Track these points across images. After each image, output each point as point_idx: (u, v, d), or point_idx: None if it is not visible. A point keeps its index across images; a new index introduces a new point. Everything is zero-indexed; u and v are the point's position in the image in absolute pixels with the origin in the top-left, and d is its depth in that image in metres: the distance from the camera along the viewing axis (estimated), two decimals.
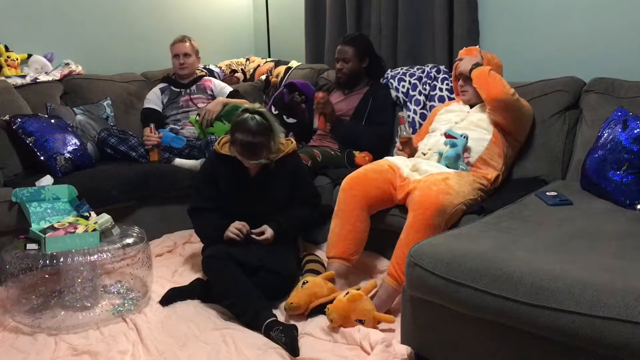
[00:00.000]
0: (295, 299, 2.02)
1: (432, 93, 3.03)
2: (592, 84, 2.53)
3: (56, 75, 3.26)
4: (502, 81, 2.36)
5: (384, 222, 2.35)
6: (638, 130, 1.97)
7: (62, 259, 1.99)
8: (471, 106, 2.56)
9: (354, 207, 2.23)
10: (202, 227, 2.36)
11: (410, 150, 2.54)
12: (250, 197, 2.31)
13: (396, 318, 1.92)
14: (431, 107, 2.97)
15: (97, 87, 3.33)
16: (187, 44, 3.31)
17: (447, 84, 2.99)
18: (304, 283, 2.07)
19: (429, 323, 1.70)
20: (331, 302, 1.97)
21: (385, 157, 2.45)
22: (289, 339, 1.81)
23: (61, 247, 2.01)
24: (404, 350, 1.73)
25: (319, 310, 2.02)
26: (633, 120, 2.02)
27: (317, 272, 2.24)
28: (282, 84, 3.52)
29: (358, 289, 2.09)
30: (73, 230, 2.07)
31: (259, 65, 3.94)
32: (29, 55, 3.31)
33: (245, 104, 2.94)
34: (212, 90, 3.37)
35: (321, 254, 2.47)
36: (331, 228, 2.27)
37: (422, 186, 2.12)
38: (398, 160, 2.40)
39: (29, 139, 2.69)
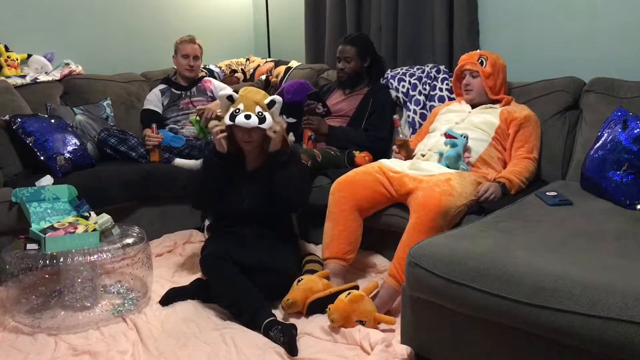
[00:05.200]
0: (291, 295, 2.04)
1: (432, 93, 3.03)
2: (592, 84, 2.53)
3: (56, 75, 3.26)
4: (527, 172, 2.34)
5: (383, 222, 2.35)
6: (638, 130, 1.97)
7: (62, 259, 1.98)
8: (473, 106, 2.57)
9: (344, 208, 2.26)
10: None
11: (406, 152, 2.54)
12: (244, 191, 2.31)
13: (396, 318, 1.92)
14: (431, 107, 2.97)
15: (97, 87, 3.33)
16: (197, 45, 3.30)
17: (447, 84, 2.99)
18: (298, 281, 2.10)
19: (429, 323, 1.71)
20: (330, 299, 1.98)
21: (379, 160, 2.46)
22: (287, 339, 1.81)
23: (61, 247, 2.01)
24: (404, 350, 1.74)
25: (318, 308, 2.03)
26: (633, 120, 2.02)
27: (316, 272, 2.25)
28: (283, 83, 3.52)
29: (355, 286, 2.11)
30: (73, 230, 2.07)
31: (259, 65, 3.94)
32: (29, 55, 3.31)
33: None
34: (212, 92, 3.37)
35: (320, 253, 2.47)
36: (324, 230, 2.30)
37: (425, 187, 2.13)
38: (392, 162, 2.40)
39: (29, 139, 2.69)
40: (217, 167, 2.26)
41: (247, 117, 2.15)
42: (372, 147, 2.91)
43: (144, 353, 1.84)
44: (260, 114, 2.17)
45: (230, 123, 2.18)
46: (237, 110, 2.17)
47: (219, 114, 2.97)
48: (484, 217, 1.98)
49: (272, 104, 2.23)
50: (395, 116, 2.74)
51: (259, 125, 2.16)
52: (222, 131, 2.21)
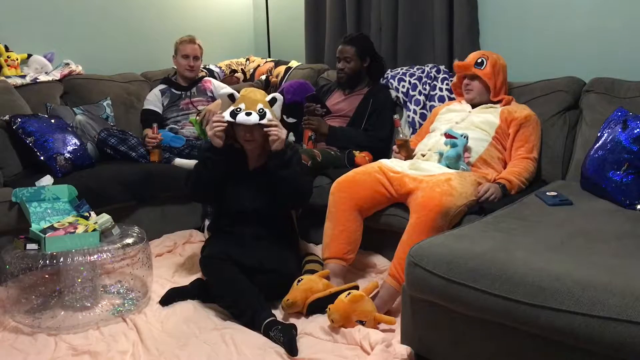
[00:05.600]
0: (291, 295, 2.04)
1: (432, 93, 3.03)
2: (592, 84, 2.53)
3: (56, 75, 3.26)
4: (527, 172, 2.35)
5: (383, 222, 2.35)
6: (638, 130, 1.97)
7: (62, 259, 1.98)
8: (473, 106, 2.57)
9: (344, 208, 2.26)
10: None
11: (407, 152, 2.54)
12: (245, 190, 2.31)
13: (396, 318, 1.92)
14: (431, 107, 2.97)
15: (97, 87, 3.33)
16: (197, 45, 3.30)
17: (447, 84, 2.99)
18: (298, 281, 2.10)
19: (429, 323, 1.70)
20: (330, 299, 1.98)
21: (379, 160, 2.46)
22: (287, 339, 1.81)
23: (61, 247, 2.01)
24: (404, 350, 1.73)
25: (318, 308, 2.03)
26: (633, 120, 2.02)
27: (316, 272, 2.24)
28: (282, 83, 3.52)
29: (355, 286, 2.11)
30: (73, 230, 2.07)
31: (259, 65, 3.94)
32: (29, 55, 3.31)
33: None
34: (212, 92, 3.37)
35: (320, 253, 2.47)
36: (324, 230, 2.30)
37: (425, 187, 2.13)
38: (392, 162, 2.40)
39: (29, 139, 2.69)
40: (213, 163, 2.25)
41: (248, 114, 2.16)
42: (372, 147, 2.91)
43: (144, 353, 1.84)
44: (261, 110, 2.18)
45: (232, 120, 2.18)
46: (239, 109, 2.18)
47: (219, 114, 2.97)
48: (484, 217, 1.98)
49: (273, 101, 2.24)
50: (396, 116, 2.74)
51: (261, 122, 2.16)
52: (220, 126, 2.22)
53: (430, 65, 3.12)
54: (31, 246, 2.03)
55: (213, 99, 3.32)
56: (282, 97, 2.30)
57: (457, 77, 2.68)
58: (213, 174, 2.26)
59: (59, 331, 1.97)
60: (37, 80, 3.14)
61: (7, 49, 3.21)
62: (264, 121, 2.17)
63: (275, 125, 2.19)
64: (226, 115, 2.20)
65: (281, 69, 3.76)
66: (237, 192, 2.31)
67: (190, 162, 2.99)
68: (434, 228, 2.01)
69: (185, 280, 2.36)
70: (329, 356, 1.77)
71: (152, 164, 2.95)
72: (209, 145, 2.27)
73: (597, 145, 2.13)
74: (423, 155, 2.48)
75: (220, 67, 3.88)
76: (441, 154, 2.38)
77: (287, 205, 2.38)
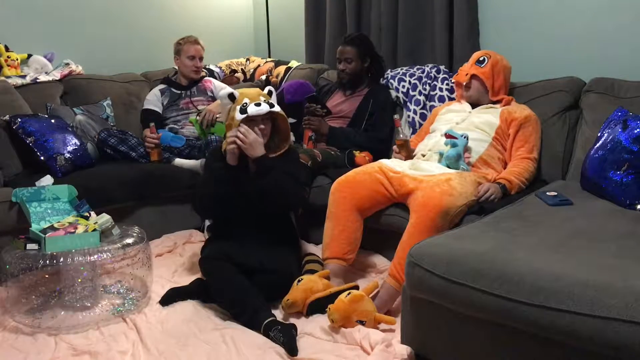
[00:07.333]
0: (291, 295, 2.04)
1: (432, 93, 3.03)
2: (592, 84, 2.53)
3: (56, 75, 3.26)
4: (527, 172, 2.35)
5: (383, 222, 2.35)
6: (638, 130, 1.97)
7: (62, 259, 1.98)
8: (473, 106, 2.57)
9: (344, 208, 2.27)
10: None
11: (407, 152, 2.54)
12: (244, 194, 2.31)
13: (396, 318, 1.92)
14: (431, 107, 2.97)
15: (97, 87, 3.33)
16: (200, 46, 3.30)
17: (447, 84, 2.99)
18: (298, 281, 2.10)
19: (429, 323, 1.71)
20: (329, 299, 1.98)
21: (379, 160, 2.46)
22: (287, 339, 1.81)
23: (61, 247, 2.01)
24: (404, 350, 1.74)
25: (318, 308, 2.03)
26: (633, 120, 2.02)
27: (316, 272, 2.24)
28: (282, 83, 3.52)
29: (355, 286, 2.11)
30: (73, 230, 2.07)
31: (259, 65, 3.94)
32: (29, 55, 3.31)
33: None
34: (212, 92, 3.37)
35: (320, 253, 2.47)
36: (324, 230, 2.31)
37: (425, 187, 2.13)
38: (392, 162, 2.40)
39: (29, 139, 2.70)
40: (228, 180, 2.25)
41: (258, 104, 2.20)
42: (372, 148, 2.91)
43: (144, 353, 1.84)
44: (266, 100, 2.23)
45: (244, 116, 2.20)
46: (245, 104, 2.20)
47: (218, 117, 2.97)
48: (484, 217, 1.98)
49: (270, 93, 2.31)
50: (396, 116, 2.74)
51: (272, 110, 2.21)
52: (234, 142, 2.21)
53: (430, 65, 3.12)
54: (31, 246, 2.03)
55: (213, 98, 3.32)
56: (274, 89, 2.35)
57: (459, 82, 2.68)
58: (230, 188, 2.25)
59: (59, 331, 1.97)
60: (37, 80, 3.14)
61: (7, 49, 3.21)
62: (276, 109, 2.22)
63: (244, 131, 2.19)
64: (237, 115, 2.21)
65: (281, 69, 3.76)
66: (238, 194, 2.30)
67: (190, 162, 3.00)
68: (434, 228, 2.01)
69: (185, 280, 2.37)
70: (329, 356, 1.77)
71: (152, 164, 2.95)
72: (222, 164, 2.24)
73: (597, 145, 2.13)
74: (423, 156, 2.48)
75: (220, 67, 3.88)
76: (441, 154, 2.38)
77: (273, 211, 2.34)
